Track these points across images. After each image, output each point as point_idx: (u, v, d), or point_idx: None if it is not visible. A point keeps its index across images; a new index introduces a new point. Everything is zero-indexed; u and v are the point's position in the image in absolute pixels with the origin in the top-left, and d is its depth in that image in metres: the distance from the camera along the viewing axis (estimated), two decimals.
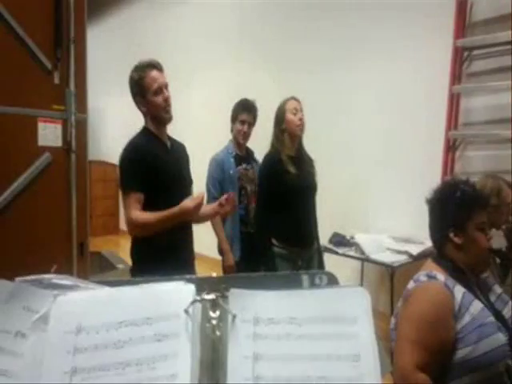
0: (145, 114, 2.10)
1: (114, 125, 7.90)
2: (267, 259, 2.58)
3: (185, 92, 5.63)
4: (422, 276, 1.45)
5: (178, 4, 6.35)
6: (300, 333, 0.68)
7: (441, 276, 1.42)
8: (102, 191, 7.70)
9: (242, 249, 2.95)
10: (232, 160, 2.97)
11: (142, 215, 1.93)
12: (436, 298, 1.36)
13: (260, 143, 2.90)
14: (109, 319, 0.67)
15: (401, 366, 1.30)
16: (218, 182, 2.90)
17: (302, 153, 2.71)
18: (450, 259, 1.48)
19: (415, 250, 3.30)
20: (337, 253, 3.50)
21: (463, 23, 3.45)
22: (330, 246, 3.56)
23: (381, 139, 4.01)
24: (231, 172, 2.92)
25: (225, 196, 2.14)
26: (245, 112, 2.97)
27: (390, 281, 3.24)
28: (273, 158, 2.61)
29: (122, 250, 5.83)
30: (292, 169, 2.56)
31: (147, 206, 1.96)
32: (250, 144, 3.12)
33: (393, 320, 1.51)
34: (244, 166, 3.02)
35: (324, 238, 3.22)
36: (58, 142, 2.56)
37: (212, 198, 2.79)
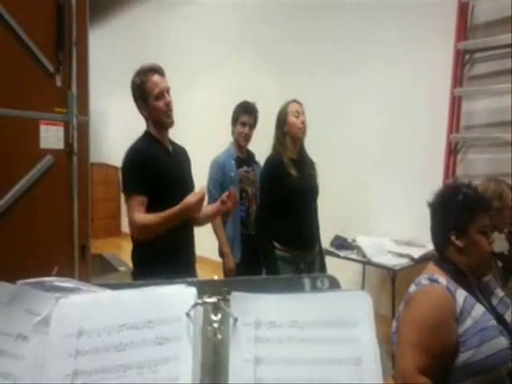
0: (147, 119, 2.11)
1: (115, 127, 7.92)
2: (269, 262, 2.58)
3: (187, 93, 5.65)
4: (423, 279, 1.45)
5: (180, 5, 6.37)
6: (302, 336, 0.68)
7: (442, 279, 1.41)
8: (104, 193, 7.71)
9: (243, 251, 2.94)
10: (233, 162, 2.97)
11: (145, 217, 1.93)
12: (438, 302, 1.36)
13: (260, 145, 2.90)
14: (110, 322, 0.68)
15: (402, 369, 1.30)
16: (219, 184, 2.90)
17: (303, 156, 2.71)
18: (451, 262, 1.48)
19: (417, 253, 3.29)
20: (338, 256, 3.49)
21: (465, 26, 3.45)
22: (332, 249, 3.56)
23: (382, 142, 4.01)
24: (232, 174, 2.92)
25: (226, 193, 2.14)
26: (245, 114, 2.98)
27: (391, 284, 3.23)
28: (275, 160, 2.61)
29: (123, 252, 5.83)
30: (294, 172, 2.56)
31: (150, 210, 1.96)
32: (251, 146, 3.12)
33: (394, 323, 1.51)
34: (245, 168, 3.02)
35: (325, 240, 3.21)
36: (60, 145, 2.56)
37: (213, 200, 2.78)
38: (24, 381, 0.65)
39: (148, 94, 2.02)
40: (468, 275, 1.46)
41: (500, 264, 2.31)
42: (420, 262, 3.17)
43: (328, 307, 0.70)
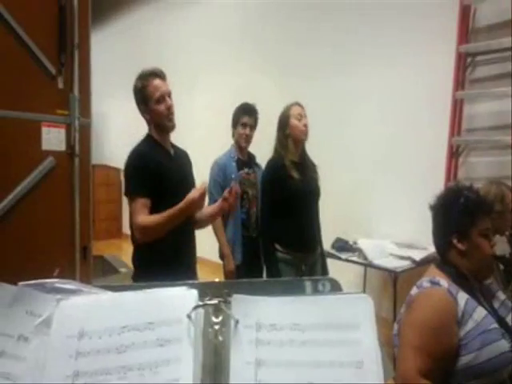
0: (148, 122, 2.11)
1: (117, 129, 7.93)
2: (271, 264, 2.58)
3: (187, 96, 5.65)
4: (425, 282, 1.44)
5: (180, 8, 6.39)
6: (303, 339, 0.68)
7: (444, 282, 1.41)
8: (105, 195, 7.72)
9: (244, 253, 2.94)
10: (234, 164, 2.97)
11: (149, 218, 1.93)
12: (439, 305, 1.35)
13: (261, 147, 2.90)
14: (111, 324, 0.68)
15: (403, 371, 1.29)
16: (220, 185, 2.90)
17: (305, 158, 2.72)
18: (453, 265, 1.48)
19: (418, 255, 3.29)
20: (340, 258, 3.49)
21: (466, 28, 3.45)
22: (333, 252, 3.55)
23: (383, 144, 4.01)
24: (233, 176, 2.93)
25: (227, 189, 2.14)
26: (246, 115, 2.98)
27: (392, 286, 3.22)
28: (276, 163, 2.61)
29: (124, 253, 5.82)
30: (295, 174, 2.56)
31: (152, 213, 1.95)
32: (251, 148, 3.13)
33: (395, 326, 1.50)
34: (246, 170, 3.02)
35: (327, 243, 3.21)
36: (62, 147, 2.56)
37: (214, 202, 2.78)
38: (25, 381, 0.65)
39: (149, 98, 2.03)
40: (469, 278, 1.46)
41: (502, 267, 2.31)
42: (421, 265, 3.16)
43: (329, 310, 0.70)
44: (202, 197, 1.91)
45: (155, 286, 0.72)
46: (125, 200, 2.09)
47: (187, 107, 5.12)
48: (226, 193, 2.13)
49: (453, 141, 3.50)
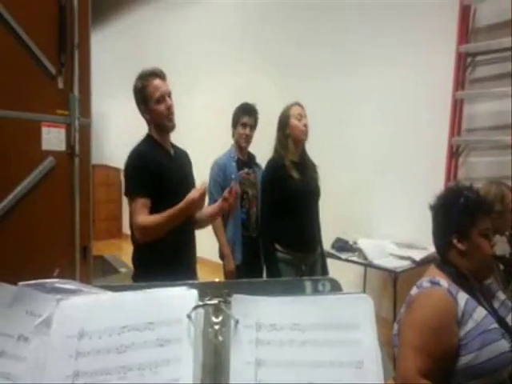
0: (148, 122, 2.11)
1: (117, 129, 7.93)
2: (271, 264, 2.58)
3: (187, 96, 5.65)
4: (425, 282, 1.44)
5: (180, 8, 6.39)
6: (303, 339, 0.68)
7: (444, 282, 1.41)
8: (105, 195, 7.72)
9: (244, 253, 2.94)
10: (234, 164, 2.97)
11: (149, 218, 1.93)
12: (439, 305, 1.35)
13: (261, 148, 2.90)
14: (111, 324, 0.68)
15: (403, 371, 1.29)
16: (220, 185, 2.90)
17: (305, 158, 2.72)
18: (453, 265, 1.48)
19: (418, 255, 3.29)
20: (340, 258, 3.49)
21: (466, 28, 3.45)
22: (333, 252, 3.55)
23: (383, 144, 4.01)
24: (233, 176, 2.93)
25: (227, 190, 2.14)
26: (246, 115, 2.98)
27: (392, 286, 3.22)
28: (276, 163, 2.61)
29: (124, 253, 5.82)
30: (295, 174, 2.56)
31: (152, 213, 1.95)
32: (251, 148, 3.13)
33: (395, 326, 1.50)
34: (246, 170, 3.02)
35: (327, 243, 3.21)
36: (62, 147, 2.56)
37: (214, 202, 2.78)
38: (25, 381, 0.65)
39: (149, 98, 2.03)
40: (469, 278, 1.46)
41: (502, 267, 2.31)
42: (421, 265, 3.17)
43: (329, 310, 0.70)
44: (202, 197, 1.91)
45: (155, 286, 0.72)
46: (125, 200, 2.09)
47: (187, 107, 5.12)
48: (225, 193, 2.12)
49: (453, 141, 3.50)
